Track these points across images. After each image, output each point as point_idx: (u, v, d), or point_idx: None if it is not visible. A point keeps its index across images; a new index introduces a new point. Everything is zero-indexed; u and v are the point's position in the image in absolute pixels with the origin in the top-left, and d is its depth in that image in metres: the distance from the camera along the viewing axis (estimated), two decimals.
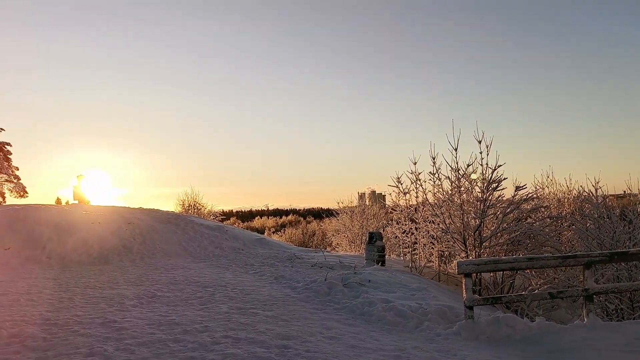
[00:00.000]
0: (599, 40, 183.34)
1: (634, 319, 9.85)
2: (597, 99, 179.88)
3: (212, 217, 33.58)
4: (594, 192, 12.71)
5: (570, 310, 11.37)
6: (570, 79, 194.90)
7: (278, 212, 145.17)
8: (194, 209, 34.94)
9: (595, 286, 6.92)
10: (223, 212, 45.15)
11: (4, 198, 35.27)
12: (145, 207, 21.08)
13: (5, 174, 34.98)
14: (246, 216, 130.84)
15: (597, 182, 12.76)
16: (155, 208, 21.62)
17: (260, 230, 77.54)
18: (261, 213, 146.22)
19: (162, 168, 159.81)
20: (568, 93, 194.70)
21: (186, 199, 35.59)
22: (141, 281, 9.95)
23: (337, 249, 25.61)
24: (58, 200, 37.65)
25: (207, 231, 17.33)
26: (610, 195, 13.99)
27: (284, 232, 73.80)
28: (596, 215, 12.17)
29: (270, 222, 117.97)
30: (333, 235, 27.50)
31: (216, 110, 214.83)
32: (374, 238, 13.62)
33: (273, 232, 76.07)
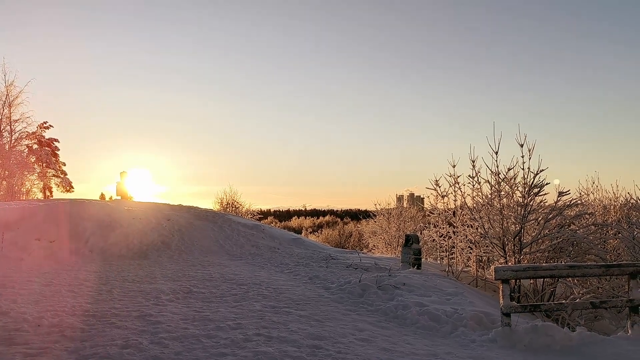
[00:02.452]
0: None
1: None
2: None
3: (249, 216, 33.96)
4: None
5: (615, 321, 10.93)
6: (619, 81, 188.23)
7: (315, 213, 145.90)
8: (232, 208, 35.43)
9: None
10: (261, 211, 45.67)
11: (51, 192, 36.65)
12: (184, 205, 21.39)
13: (53, 169, 36.35)
14: (284, 216, 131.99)
15: None
16: (194, 205, 21.90)
17: (298, 230, 78.02)
18: (299, 213, 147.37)
19: (201, 167, 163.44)
20: (615, 98, 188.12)
21: (224, 197, 36.16)
22: (178, 277, 10.12)
23: (373, 250, 25.47)
24: (102, 196, 38.91)
25: (244, 229, 17.49)
26: None
27: (320, 233, 74.10)
28: None
29: (307, 222, 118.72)
30: (370, 237, 27.40)
31: (255, 110, 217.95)
32: (410, 241, 13.45)
33: (310, 233, 76.50)
